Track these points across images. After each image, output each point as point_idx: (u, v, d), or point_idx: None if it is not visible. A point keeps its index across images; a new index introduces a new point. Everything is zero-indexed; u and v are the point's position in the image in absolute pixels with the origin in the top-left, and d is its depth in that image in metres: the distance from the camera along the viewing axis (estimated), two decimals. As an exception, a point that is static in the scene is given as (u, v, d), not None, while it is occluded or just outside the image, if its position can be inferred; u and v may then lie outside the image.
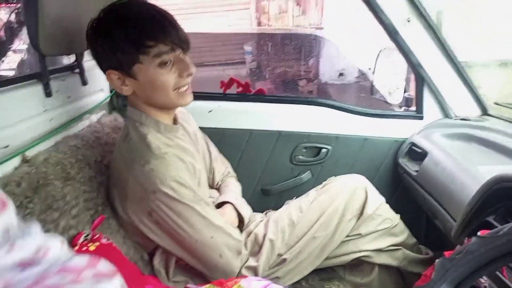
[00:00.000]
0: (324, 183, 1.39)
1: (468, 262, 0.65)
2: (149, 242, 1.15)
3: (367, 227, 1.27)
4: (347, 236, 1.27)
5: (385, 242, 1.29)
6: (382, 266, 1.30)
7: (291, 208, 1.32)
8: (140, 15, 1.01)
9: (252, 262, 1.19)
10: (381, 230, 1.28)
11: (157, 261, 1.17)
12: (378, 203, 1.30)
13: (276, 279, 1.20)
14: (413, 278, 1.21)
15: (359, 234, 1.27)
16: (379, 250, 1.28)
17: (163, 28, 1.00)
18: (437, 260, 0.69)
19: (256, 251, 1.21)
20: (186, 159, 1.14)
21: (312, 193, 1.36)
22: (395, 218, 1.33)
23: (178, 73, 1.05)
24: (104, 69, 1.07)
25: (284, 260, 1.21)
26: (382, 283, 1.30)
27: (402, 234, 1.33)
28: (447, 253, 0.69)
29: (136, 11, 1.01)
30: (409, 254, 1.30)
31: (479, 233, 0.67)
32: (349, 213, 1.25)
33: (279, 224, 1.25)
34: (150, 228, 1.09)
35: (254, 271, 1.17)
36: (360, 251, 1.27)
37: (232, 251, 1.14)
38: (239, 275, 1.15)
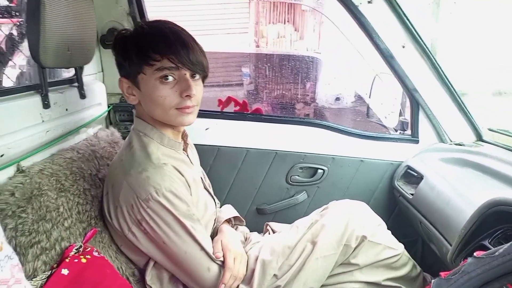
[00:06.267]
0: (324, 206, 1.36)
1: (464, 283, 0.64)
2: (140, 256, 1.13)
3: (366, 256, 1.22)
4: (345, 264, 1.23)
5: (383, 275, 1.24)
6: None
7: (288, 231, 1.30)
8: (155, 31, 1.08)
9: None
10: (381, 261, 1.23)
11: (149, 277, 1.15)
12: (378, 229, 1.26)
13: None
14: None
15: (357, 264, 1.22)
16: (376, 284, 1.24)
17: (172, 45, 1.05)
18: (433, 280, 0.68)
19: (248, 277, 1.18)
20: (185, 172, 1.14)
21: (311, 216, 1.34)
22: (398, 247, 1.27)
23: (179, 93, 1.07)
24: (120, 76, 1.13)
25: (278, 286, 1.17)
26: None
27: (404, 266, 1.27)
28: (443, 274, 0.69)
29: (154, 27, 1.09)
30: None
31: (475, 254, 0.67)
32: (347, 238, 1.20)
33: (274, 247, 1.22)
34: (137, 238, 1.07)
35: None
36: (355, 282, 1.23)
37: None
38: None
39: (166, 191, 1.03)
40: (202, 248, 1.09)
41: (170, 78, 1.06)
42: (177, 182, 1.08)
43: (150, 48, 1.03)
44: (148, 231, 1.05)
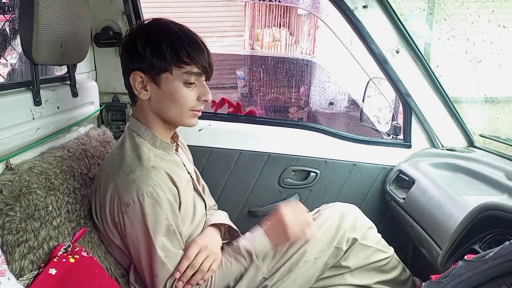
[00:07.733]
0: (316, 209, 1.37)
1: (455, 286, 0.64)
2: (124, 256, 1.12)
3: (357, 259, 1.23)
4: (336, 267, 1.23)
5: (374, 278, 1.25)
6: None
7: None
8: (189, 34, 1.10)
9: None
10: (371, 264, 1.24)
11: (133, 278, 1.13)
12: (369, 232, 1.27)
13: None
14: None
15: (348, 267, 1.23)
16: (367, 287, 1.24)
17: (202, 53, 1.10)
18: (424, 284, 0.68)
19: (236, 277, 1.17)
20: (177, 175, 1.12)
21: None
22: (388, 250, 1.29)
23: (197, 96, 1.12)
24: (131, 69, 1.09)
25: (265, 287, 1.17)
26: None
27: (394, 270, 1.28)
28: (434, 277, 0.69)
29: (186, 32, 1.10)
30: None
31: (465, 257, 0.67)
32: (338, 241, 1.21)
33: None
34: (115, 236, 1.09)
35: None
36: (346, 285, 1.24)
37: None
38: None
39: (148, 196, 1.02)
40: (167, 269, 1.05)
41: (192, 83, 1.10)
42: (162, 188, 1.05)
43: (186, 52, 1.06)
44: (122, 232, 1.06)
